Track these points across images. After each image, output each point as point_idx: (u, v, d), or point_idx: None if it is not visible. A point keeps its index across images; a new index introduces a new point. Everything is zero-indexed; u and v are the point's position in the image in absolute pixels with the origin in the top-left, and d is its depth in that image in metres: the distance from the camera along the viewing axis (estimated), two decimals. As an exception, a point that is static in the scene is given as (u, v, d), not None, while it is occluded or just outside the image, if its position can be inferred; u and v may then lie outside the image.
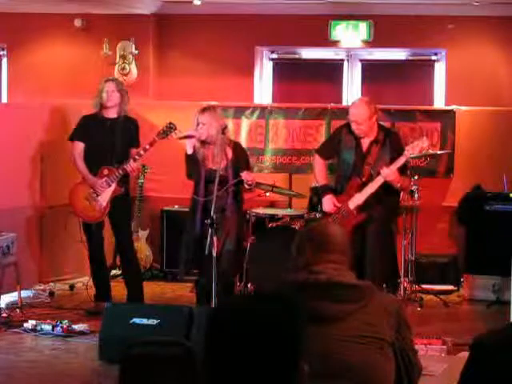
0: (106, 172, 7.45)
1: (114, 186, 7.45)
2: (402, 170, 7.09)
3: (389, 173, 6.95)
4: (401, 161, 7.00)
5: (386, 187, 7.04)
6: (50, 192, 8.47)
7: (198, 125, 6.96)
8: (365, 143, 7.12)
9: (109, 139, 7.44)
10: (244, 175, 6.92)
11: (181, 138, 7.10)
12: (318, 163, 7.39)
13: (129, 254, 7.74)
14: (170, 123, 7.38)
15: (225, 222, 6.93)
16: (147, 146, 7.37)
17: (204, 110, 7.09)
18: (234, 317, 1.95)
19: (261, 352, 1.90)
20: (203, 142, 6.97)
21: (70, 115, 8.52)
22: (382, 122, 8.30)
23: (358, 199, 7.03)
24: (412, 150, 7.02)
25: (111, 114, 7.50)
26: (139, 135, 7.60)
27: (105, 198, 7.47)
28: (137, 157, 7.39)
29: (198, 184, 7.06)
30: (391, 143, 7.12)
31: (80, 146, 7.55)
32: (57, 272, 8.67)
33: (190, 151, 7.03)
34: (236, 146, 7.15)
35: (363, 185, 7.06)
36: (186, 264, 7.19)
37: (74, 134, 7.64)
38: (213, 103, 9.22)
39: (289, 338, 1.92)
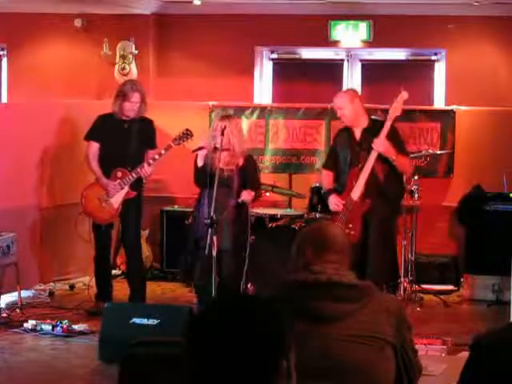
0: (119, 174, 7.44)
1: (126, 188, 7.45)
2: (399, 147, 7.09)
3: (378, 142, 6.95)
4: (387, 126, 7.00)
5: (388, 179, 7.05)
6: (51, 192, 8.46)
7: (215, 130, 6.93)
8: (357, 132, 7.18)
9: (125, 140, 7.42)
10: (244, 196, 6.95)
11: (195, 151, 7.08)
12: (326, 175, 7.44)
13: (136, 255, 7.75)
14: (187, 130, 7.37)
15: (223, 224, 6.89)
16: (162, 151, 7.37)
17: (224, 117, 7.14)
18: (214, 317, 1.95)
19: (238, 352, 1.90)
20: (215, 148, 6.93)
21: (71, 115, 8.52)
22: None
23: (358, 186, 7.02)
24: (395, 110, 7.03)
25: (129, 116, 7.49)
26: (155, 136, 7.60)
27: (117, 200, 7.47)
28: (151, 161, 7.39)
29: (201, 198, 7.04)
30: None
31: (95, 147, 7.53)
32: (58, 272, 8.67)
33: (200, 163, 7.01)
34: (249, 158, 7.18)
35: (361, 170, 7.07)
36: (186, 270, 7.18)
37: (89, 133, 7.60)
38: (212, 103, 9.24)
39: (269, 339, 1.92)
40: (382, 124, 7.19)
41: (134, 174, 7.41)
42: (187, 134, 7.35)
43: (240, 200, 6.95)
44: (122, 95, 7.44)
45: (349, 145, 7.19)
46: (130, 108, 7.43)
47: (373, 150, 6.97)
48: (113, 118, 7.49)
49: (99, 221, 7.54)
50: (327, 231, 3.32)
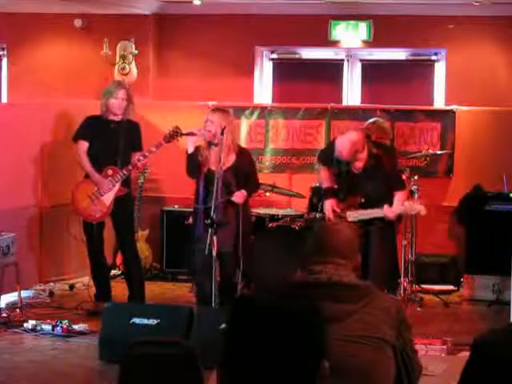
0: (110, 172, 7.45)
1: (117, 186, 7.46)
2: (397, 184, 7.11)
3: (389, 213, 6.95)
4: (399, 208, 7.00)
5: (385, 197, 7.05)
6: (50, 192, 8.46)
7: (206, 121, 6.91)
8: (358, 166, 7.06)
9: (112, 141, 7.45)
10: (235, 197, 6.89)
11: (183, 135, 7.11)
12: (325, 172, 7.36)
13: (131, 254, 7.74)
14: (176, 127, 7.36)
15: (222, 226, 6.89)
16: (153, 149, 7.38)
17: (216, 109, 7.09)
18: (260, 314, 1.94)
19: (285, 350, 1.89)
20: (209, 143, 6.93)
21: (71, 115, 8.52)
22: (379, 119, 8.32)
23: (355, 217, 7.02)
24: (409, 209, 7.04)
25: (115, 116, 7.51)
26: (141, 139, 7.62)
27: (108, 197, 7.48)
28: (141, 158, 7.40)
29: (198, 189, 7.03)
30: (383, 166, 7.05)
31: (85, 145, 7.55)
32: (58, 272, 8.66)
33: (190, 150, 7.00)
34: (241, 153, 7.07)
35: (361, 204, 7.06)
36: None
37: (77, 133, 7.63)
38: (212, 103, 9.23)
39: (312, 337, 1.92)
40: (379, 155, 7.08)
41: (124, 172, 7.43)
42: (176, 132, 7.36)
43: (233, 199, 6.89)
44: (107, 94, 7.51)
45: (348, 174, 7.10)
46: (117, 105, 7.47)
47: (380, 209, 6.93)
48: (100, 119, 7.55)
49: (91, 219, 7.52)
50: (332, 232, 3.32)
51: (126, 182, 7.59)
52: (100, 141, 7.49)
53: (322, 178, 7.41)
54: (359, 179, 7.07)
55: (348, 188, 7.13)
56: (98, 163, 7.49)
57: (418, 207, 7.10)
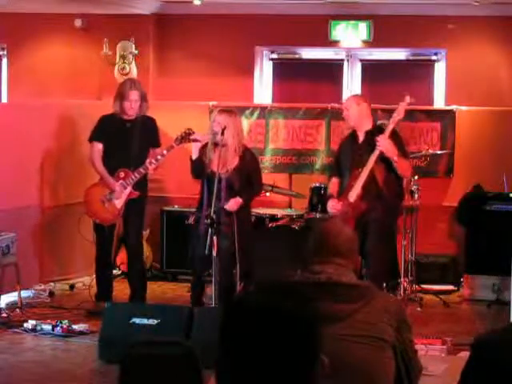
0: (122, 175, 7.46)
1: (129, 189, 7.46)
2: (400, 149, 7.03)
3: (382, 138, 6.92)
4: (390, 127, 7.00)
5: (387, 181, 7.01)
6: (52, 192, 8.46)
7: (213, 122, 6.93)
8: (360, 135, 7.17)
9: (127, 140, 7.45)
10: (229, 204, 6.91)
11: (189, 141, 7.11)
12: (333, 183, 7.38)
13: (137, 256, 7.77)
14: (188, 129, 7.34)
15: (226, 226, 6.90)
16: (165, 152, 7.38)
17: (223, 110, 7.12)
18: (253, 313, 1.94)
19: (282, 351, 1.89)
20: (215, 144, 6.93)
21: (71, 115, 8.52)
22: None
23: (356, 188, 6.99)
24: (398, 114, 7.05)
25: (129, 116, 7.51)
26: (159, 134, 7.62)
27: (120, 200, 7.48)
28: (154, 161, 7.38)
29: (202, 192, 7.04)
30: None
31: (99, 147, 7.55)
32: (59, 272, 8.67)
33: (194, 156, 7.01)
34: (247, 155, 7.11)
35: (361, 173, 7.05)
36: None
37: (92, 134, 7.63)
38: (212, 103, 9.24)
39: (310, 337, 1.92)
40: (383, 129, 7.21)
41: (136, 174, 7.43)
42: (189, 134, 7.34)
43: (226, 207, 6.90)
44: (120, 95, 7.49)
45: (351, 148, 7.18)
46: (130, 107, 7.46)
47: (375, 150, 6.94)
48: (115, 118, 7.53)
49: (102, 221, 7.54)
50: (331, 232, 3.33)
51: (142, 184, 7.58)
52: (115, 141, 7.49)
53: (330, 187, 7.44)
54: (362, 150, 7.09)
55: (350, 168, 7.12)
56: (113, 164, 7.49)
57: (401, 105, 7.10)
